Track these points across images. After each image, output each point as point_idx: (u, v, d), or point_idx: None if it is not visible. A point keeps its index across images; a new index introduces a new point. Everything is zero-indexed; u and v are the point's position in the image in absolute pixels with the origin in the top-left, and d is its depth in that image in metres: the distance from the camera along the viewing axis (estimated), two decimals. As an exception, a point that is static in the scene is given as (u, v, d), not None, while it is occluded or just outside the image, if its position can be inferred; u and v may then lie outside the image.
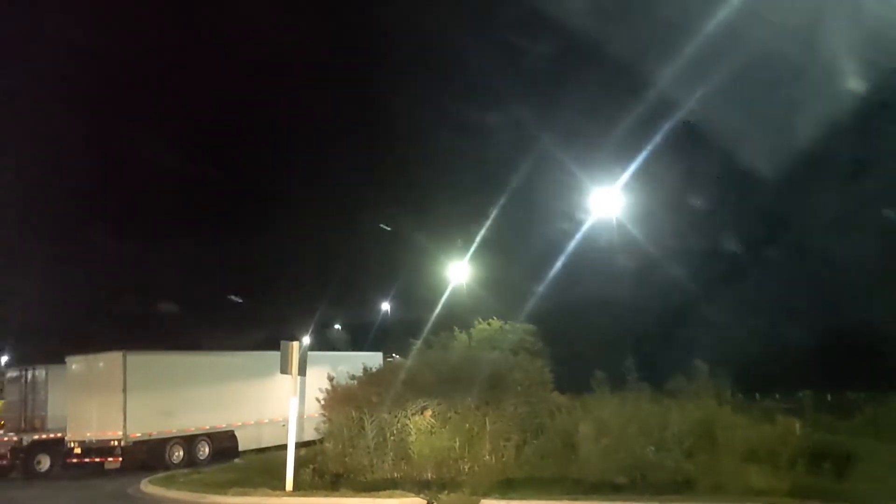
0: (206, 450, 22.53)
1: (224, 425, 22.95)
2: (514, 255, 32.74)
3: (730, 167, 22.02)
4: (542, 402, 15.62)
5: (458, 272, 34.37)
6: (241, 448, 22.86)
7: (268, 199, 59.69)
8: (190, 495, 14.65)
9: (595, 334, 26.73)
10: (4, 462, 21.39)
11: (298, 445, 20.56)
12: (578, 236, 25.98)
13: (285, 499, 13.27)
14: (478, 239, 31.01)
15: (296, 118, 58.60)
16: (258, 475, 15.91)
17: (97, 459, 20.66)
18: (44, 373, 24.27)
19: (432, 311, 31.24)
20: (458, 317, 35.22)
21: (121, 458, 20.37)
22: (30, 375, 24.55)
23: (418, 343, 22.03)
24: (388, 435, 15.07)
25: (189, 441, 22.00)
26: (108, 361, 21.01)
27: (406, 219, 42.99)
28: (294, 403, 14.61)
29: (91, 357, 21.56)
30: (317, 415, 17.07)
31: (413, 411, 14.96)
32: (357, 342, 37.10)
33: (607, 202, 25.22)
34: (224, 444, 23.05)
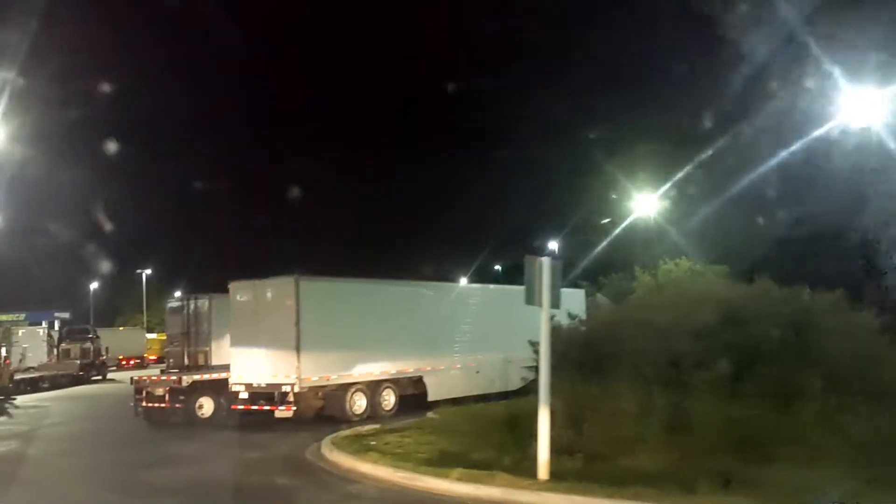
0: (392, 399, 18.59)
1: (411, 370, 18.93)
2: (713, 187, 26.91)
3: None
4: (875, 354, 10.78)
5: (645, 206, 29.73)
6: (430, 398, 18.68)
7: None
8: (395, 473, 10.31)
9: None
10: (163, 405, 18.23)
11: (499, 398, 16.63)
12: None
13: (545, 495, 8.67)
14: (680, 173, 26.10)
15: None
16: (476, 444, 11.51)
17: (266, 407, 17.02)
18: (206, 303, 21.37)
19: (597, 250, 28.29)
20: (635, 256, 30.94)
21: (293, 407, 16.66)
22: (192, 306, 21.82)
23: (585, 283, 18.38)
24: (654, 397, 10.50)
25: (372, 388, 18.08)
26: (277, 289, 17.26)
27: (591, 148, 37.97)
28: (544, 347, 9.81)
29: (258, 283, 17.80)
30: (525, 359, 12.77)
31: (690, 363, 10.49)
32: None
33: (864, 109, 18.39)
34: (409, 392, 19.15)
